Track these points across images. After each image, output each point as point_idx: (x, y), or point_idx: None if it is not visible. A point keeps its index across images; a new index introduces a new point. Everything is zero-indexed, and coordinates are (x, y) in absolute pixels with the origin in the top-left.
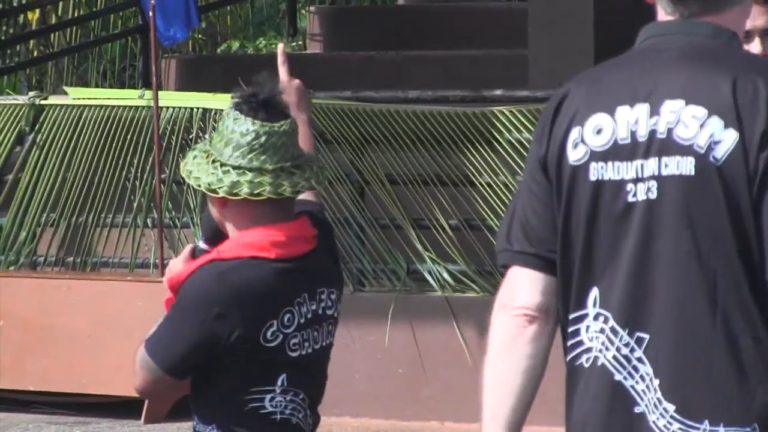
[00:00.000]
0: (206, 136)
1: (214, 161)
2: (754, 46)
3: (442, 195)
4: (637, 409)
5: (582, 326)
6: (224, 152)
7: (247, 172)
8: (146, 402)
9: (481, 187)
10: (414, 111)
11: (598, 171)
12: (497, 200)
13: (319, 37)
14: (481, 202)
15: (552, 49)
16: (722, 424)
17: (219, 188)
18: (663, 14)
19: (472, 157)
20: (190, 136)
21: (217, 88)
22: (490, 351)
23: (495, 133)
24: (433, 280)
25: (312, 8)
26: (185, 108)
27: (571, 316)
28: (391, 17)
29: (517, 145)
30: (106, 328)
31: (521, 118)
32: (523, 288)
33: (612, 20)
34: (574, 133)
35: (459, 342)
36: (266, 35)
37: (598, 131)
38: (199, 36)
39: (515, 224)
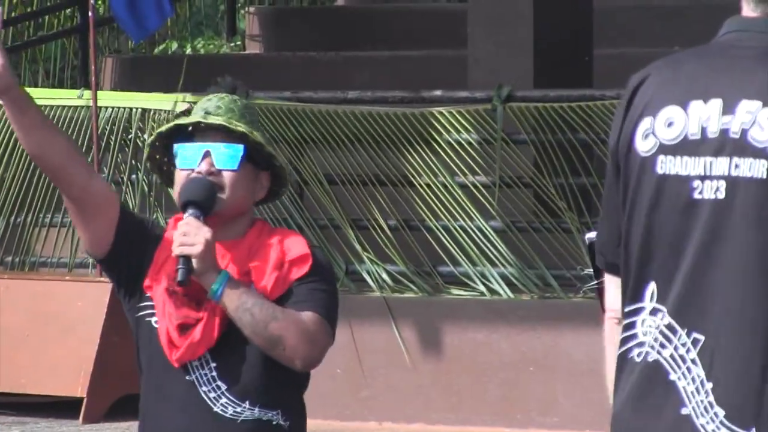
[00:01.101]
0: (145, 136)
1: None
2: None
3: (381, 195)
4: (684, 411)
5: (638, 319)
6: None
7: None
8: (84, 402)
9: (420, 188)
10: (353, 111)
11: (665, 164)
12: (436, 201)
13: (259, 38)
14: (420, 202)
15: (492, 49)
16: None
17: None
18: (747, 9)
19: (411, 158)
20: (129, 136)
21: (156, 88)
22: (604, 343)
23: (434, 134)
24: (372, 280)
25: (251, 9)
26: (124, 108)
27: (627, 309)
28: (332, 18)
29: (456, 145)
30: (44, 327)
31: (460, 119)
32: (611, 292)
33: (552, 20)
34: (645, 124)
35: (397, 342)
36: (204, 36)
37: (670, 124)
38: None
39: (602, 226)
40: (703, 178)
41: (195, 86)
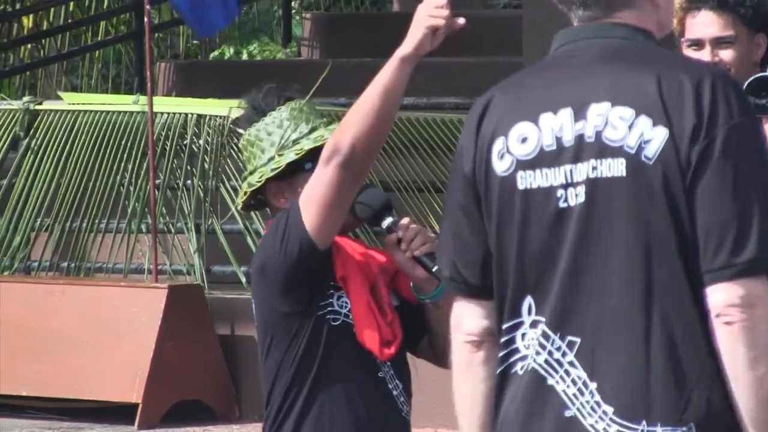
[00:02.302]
0: (200, 142)
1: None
2: (704, 54)
3: (437, 202)
4: (567, 413)
5: (518, 334)
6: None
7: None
8: (140, 408)
9: None
10: (409, 118)
11: (525, 180)
12: None
13: (315, 44)
14: None
15: (545, 55)
16: (659, 424)
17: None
18: (575, 20)
19: None
20: (185, 142)
21: (211, 93)
22: (454, 374)
23: None
24: None
25: (307, 15)
26: (180, 113)
27: (506, 326)
28: (386, 24)
29: None
30: (100, 333)
31: None
32: (465, 314)
33: None
34: (499, 144)
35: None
36: (260, 41)
37: (523, 140)
38: (194, 42)
39: (458, 252)
40: (566, 186)
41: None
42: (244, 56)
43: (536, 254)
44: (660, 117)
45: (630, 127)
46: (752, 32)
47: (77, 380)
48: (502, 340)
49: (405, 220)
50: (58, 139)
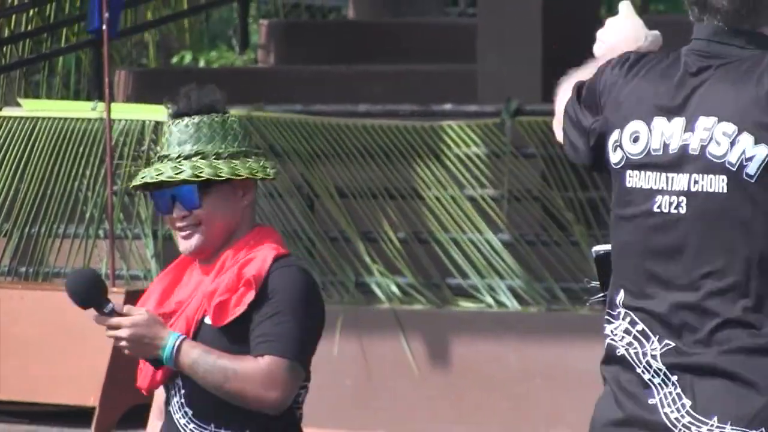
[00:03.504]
0: (158, 148)
1: (216, 156)
2: None
3: (391, 208)
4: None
5: (614, 324)
6: (216, 144)
7: (249, 155)
8: (96, 411)
9: (429, 201)
10: (364, 125)
11: (632, 179)
12: (445, 214)
13: (271, 51)
14: (429, 215)
15: (501, 63)
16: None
17: (260, 172)
18: (719, 22)
19: (420, 171)
20: (143, 148)
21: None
22: None
23: (443, 148)
24: (381, 292)
25: (264, 22)
26: (137, 120)
27: (607, 312)
28: (343, 32)
29: (465, 159)
30: (58, 337)
31: (469, 132)
32: None
33: (560, 35)
34: (615, 136)
35: (406, 354)
36: (218, 48)
37: (635, 138)
38: (152, 51)
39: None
40: (663, 192)
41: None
42: (202, 63)
43: (631, 251)
44: (761, 135)
45: (732, 144)
46: None
47: (35, 384)
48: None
49: (122, 321)
50: (16, 146)
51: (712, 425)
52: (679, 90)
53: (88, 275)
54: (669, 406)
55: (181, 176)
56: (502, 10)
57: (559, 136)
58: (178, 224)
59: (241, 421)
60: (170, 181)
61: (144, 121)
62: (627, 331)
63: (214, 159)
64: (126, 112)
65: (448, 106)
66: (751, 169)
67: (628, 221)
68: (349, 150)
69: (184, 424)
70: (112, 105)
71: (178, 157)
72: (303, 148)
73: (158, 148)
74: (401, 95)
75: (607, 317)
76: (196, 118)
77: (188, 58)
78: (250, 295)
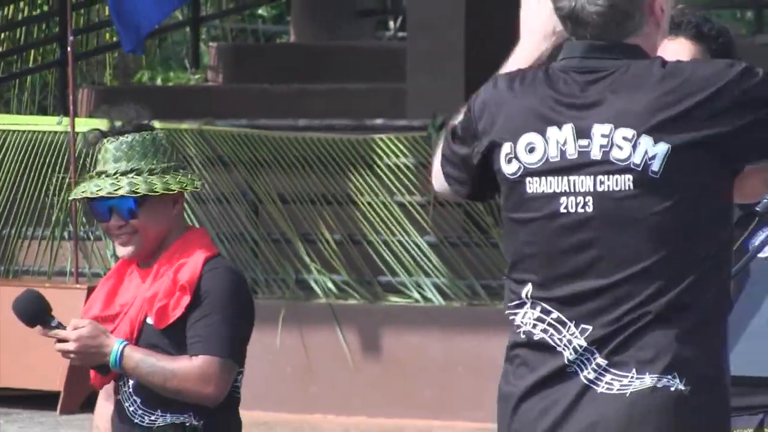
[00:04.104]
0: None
1: (150, 172)
2: None
3: (328, 213)
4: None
5: (520, 313)
6: (145, 162)
7: (178, 169)
8: (61, 395)
9: (362, 206)
10: (303, 138)
11: (533, 185)
12: (376, 218)
13: (220, 71)
14: (362, 219)
15: (427, 82)
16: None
17: (189, 185)
18: (589, 36)
19: (354, 179)
20: None
21: None
22: None
23: (375, 158)
24: (319, 289)
25: (213, 45)
26: None
27: (512, 301)
28: (285, 54)
29: (394, 168)
30: (26, 329)
31: (399, 144)
32: None
33: (482, 56)
34: (506, 148)
35: (341, 344)
36: (173, 69)
37: (531, 149)
38: (111, 71)
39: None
40: (568, 194)
41: (163, 114)
42: (159, 82)
43: (541, 253)
44: (659, 134)
45: (634, 146)
46: None
47: (6, 371)
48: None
49: (68, 335)
50: None
51: (632, 376)
52: (567, 102)
53: (31, 297)
54: (589, 371)
55: (120, 192)
56: (428, 35)
57: (438, 185)
58: (116, 232)
59: (184, 405)
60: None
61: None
62: (540, 319)
63: (148, 175)
64: (88, 125)
65: (379, 121)
66: (655, 165)
67: (529, 223)
68: (290, 160)
69: (133, 411)
70: (76, 119)
71: (115, 173)
72: (248, 158)
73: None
74: (337, 111)
75: (513, 309)
76: (129, 137)
77: (146, 77)
78: (186, 299)
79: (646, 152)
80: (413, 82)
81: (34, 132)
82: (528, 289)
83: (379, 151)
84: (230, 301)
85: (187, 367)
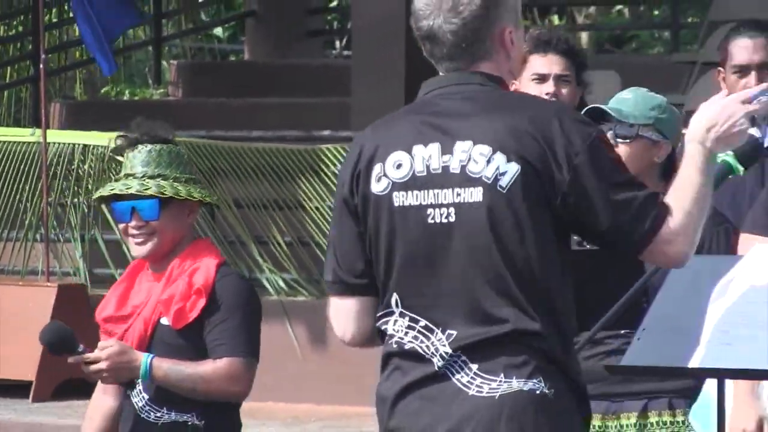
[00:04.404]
0: (85, 167)
1: (175, 179)
2: (549, 86)
3: (279, 217)
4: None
5: (390, 322)
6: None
7: (197, 182)
8: (33, 384)
9: (310, 211)
10: (257, 148)
11: (400, 199)
12: (323, 221)
13: (180, 86)
14: (310, 222)
15: (370, 97)
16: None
17: (207, 198)
18: (443, 70)
19: (303, 186)
20: (72, 167)
21: (95, 127)
22: None
23: (322, 166)
24: (270, 286)
25: (174, 62)
26: (68, 144)
27: (381, 312)
28: (240, 71)
29: None
30: (1, 323)
31: (344, 154)
32: (340, 310)
33: (420, 74)
34: (377, 169)
35: (291, 337)
36: (137, 84)
37: (398, 165)
38: (80, 86)
39: (330, 259)
40: (434, 206)
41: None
42: (124, 96)
43: (403, 260)
44: (512, 154)
45: (488, 162)
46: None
47: None
48: (379, 323)
49: (99, 355)
50: None
51: (500, 380)
52: (430, 121)
53: (56, 328)
54: (461, 375)
55: (149, 192)
56: (371, 53)
57: (343, 329)
58: (134, 231)
59: (188, 405)
60: (131, 195)
61: (74, 144)
62: (410, 327)
63: (173, 181)
64: (59, 136)
65: (326, 133)
66: (504, 182)
67: (396, 235)
68: (244, 169)
69: (141, 407)
70: (48, 131)
71: (143, 176)
72: (206, 167)
73: (121, 169)
74: (288, 123)
75: (383, 318)
76: (158, 146)
77: (113, 92)
78: (202, 302)
79: (497, 168)
80: (357, 97)
81: (10, 142)
82: (396, 298)
83: (326, 160)
84: (244, 306)
85: (214, 370)
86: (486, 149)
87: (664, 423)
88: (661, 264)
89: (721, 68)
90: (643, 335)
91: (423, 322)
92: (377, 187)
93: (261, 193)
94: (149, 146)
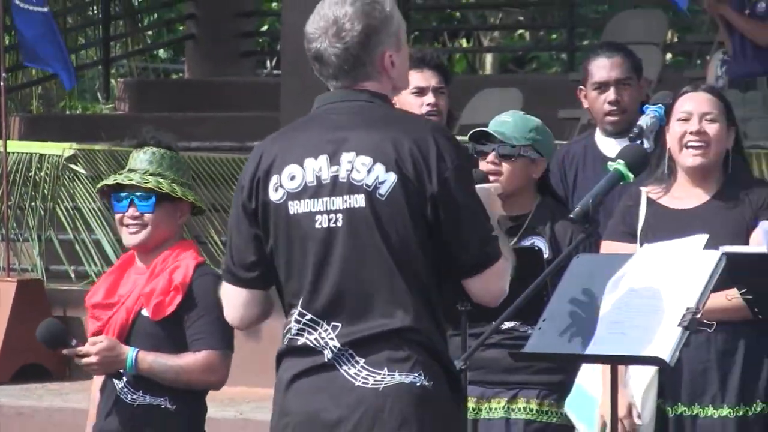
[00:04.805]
0: (42, 174)
1: (173, 180)
2: (429, 98)
3: (216, 219)
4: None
5: (292, 317)
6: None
7: (192, 188)
8: None
9: None
10: (196, 157)
11: (294, 207)
12: None
13: (126, 102)
14: None
15: (297, 112)
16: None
17: (199, 203)
18: (331, 87)
19: None
20: (30, 174)
21: (51, 138)
22: None
23: None
24: None
25: (121, 80)
26: (27, 153)
27: (290, 307)
28: (180, 88)
29: None
30: None
31: None
32: (233, 298)
33: None
34: (274, 180)
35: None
36: (88, 100)
37: (292, 177)
38: (37, 101)
39: (228, 254)
40: (323, 213)
41: (80, 137)
42: (78, 110)
43: (298, 261)
44: (391, 165)
45: (369, 171)
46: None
47: None
48: (286, 319)
49: (90, 350)
50: None
51: (384, 374)
52: (320, 135)
53: (51, 324)
54: (349, 367)
55: (148, 185)
56: (298, 73)
57: (235, 314)
58: (129, 221)
59: (161, 390)
60: (131, 187)
61: (32, 154)
62: (302, 323)
63: (171, 182)
64: (18, 147)
65: (258, 143)
66: (383, 190)
67: (290, 239)
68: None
69: (120, 389)
70: (8, 142)
71: (145, 172)
72: None
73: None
74: (223, 135)
75: (287, 314)
76: (162, 150)
77: (67, 106)
78: (179, 298)
79: (377, 177)
80: (285, 111)
81: None
82: (292, 297)
83: None
84: (219, 302)
85: (194, 362)
86: (367, 160)
87: (531, 410)
88: (479, 296)
89: (582, 87)
90: (544, 325)
91: (309, 316)
92: (275, 196)
93: (199, 197)
94: (154, 149)
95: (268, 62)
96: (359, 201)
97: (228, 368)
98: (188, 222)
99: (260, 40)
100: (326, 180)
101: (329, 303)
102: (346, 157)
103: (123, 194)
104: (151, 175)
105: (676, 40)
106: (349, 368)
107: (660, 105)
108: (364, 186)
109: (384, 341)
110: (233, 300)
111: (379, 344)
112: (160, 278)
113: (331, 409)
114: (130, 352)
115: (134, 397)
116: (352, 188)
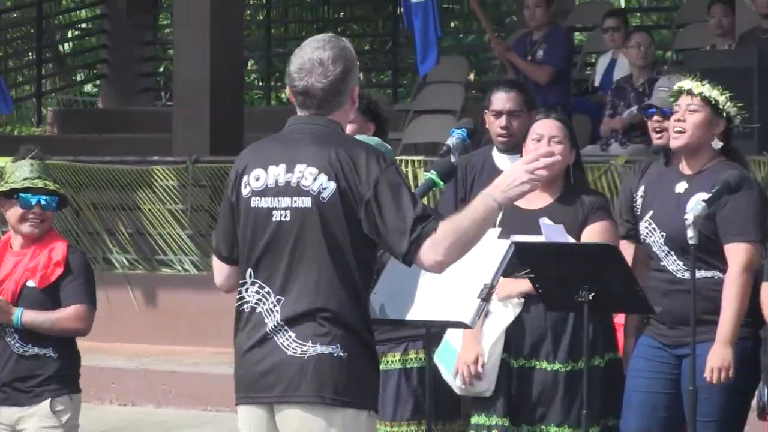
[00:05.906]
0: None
1: (57, 187)
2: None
3: (124, 216)
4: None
5: (244, 288)
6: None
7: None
8: None
9: (145, 212)
10: (108, 168)
11: (256, 202)
12: (154, 218)
13: (56, 126)
14: (146, 219)
15: (186, 133)
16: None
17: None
18: (300, 112)
19: (141, 194)
20: None
21: None
22: None
23: (154, 181)
24: (117, 264)
25: (51, 108)
26: None
27: (241, 281)
28: (96, 115)
29: (166, 188)
30: None
31: (169, 173)
32: (221, 272)
33: (221, 119)
34: (245, 180)
35: (132, 300)
36: (25, 125)
37: (257, 179)
38: None
39: (218, 235)
40: (277, 209)
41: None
42: (15, 132)
43: (258, 246)
44: (332, 175)
45: (315, 179)
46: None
47: None
48: (239, 290)
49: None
50: None
51: (309, 345)
52: (283, 149)
53: None
54: (282, 339)
55: (52, 188)
56: (186, 104)
57: (216, 279)
58: (31, 217)
59: (46, 341)
60: (38, 189)
61: None
62: (257, 292)
63: (54, 183)
64: None
65: (155, 158)
66: (325, 194)
67: (252, 226)
68: (99, 182)
69: (13, 343)
70: None
71: (38, 178)
72: (74, 181)
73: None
74: (130, 151)
75: (241, 287)
76: (38, 162)
77: (8, 129)
78: (59, 270)
79: (321, 184)
80: (177, 134)
81: None
82: (250, 271)
83: (157, 177)
84: (86, 271)
85: (66, 313)
86: (314, 170)
87: (420, 359)
88: (426, 269)
89: (487, 111)
90: (375, 297)
91: (267, 289)
92: (245, 192)
93: (111, 199)
94: (36, 161)
95: (162, 96)
96: (306, 202)
97: (92, 320)
98: (102, 218)
99: (157, 79)
100: (282, 184)
101: (278, 280)
102: (299, 168)
103: (30, 195)
104: (38, 178)
105: (473, 78)
106: (283, 341)
107: (463, 128)
108: (311, 191)
109: (311, 318)
110: (219, 271)
111: (307, 321)
112: (40, 256)
113: (272, 372)
114: (17, 311)
115: (25, 348)
116: (300, 192)
